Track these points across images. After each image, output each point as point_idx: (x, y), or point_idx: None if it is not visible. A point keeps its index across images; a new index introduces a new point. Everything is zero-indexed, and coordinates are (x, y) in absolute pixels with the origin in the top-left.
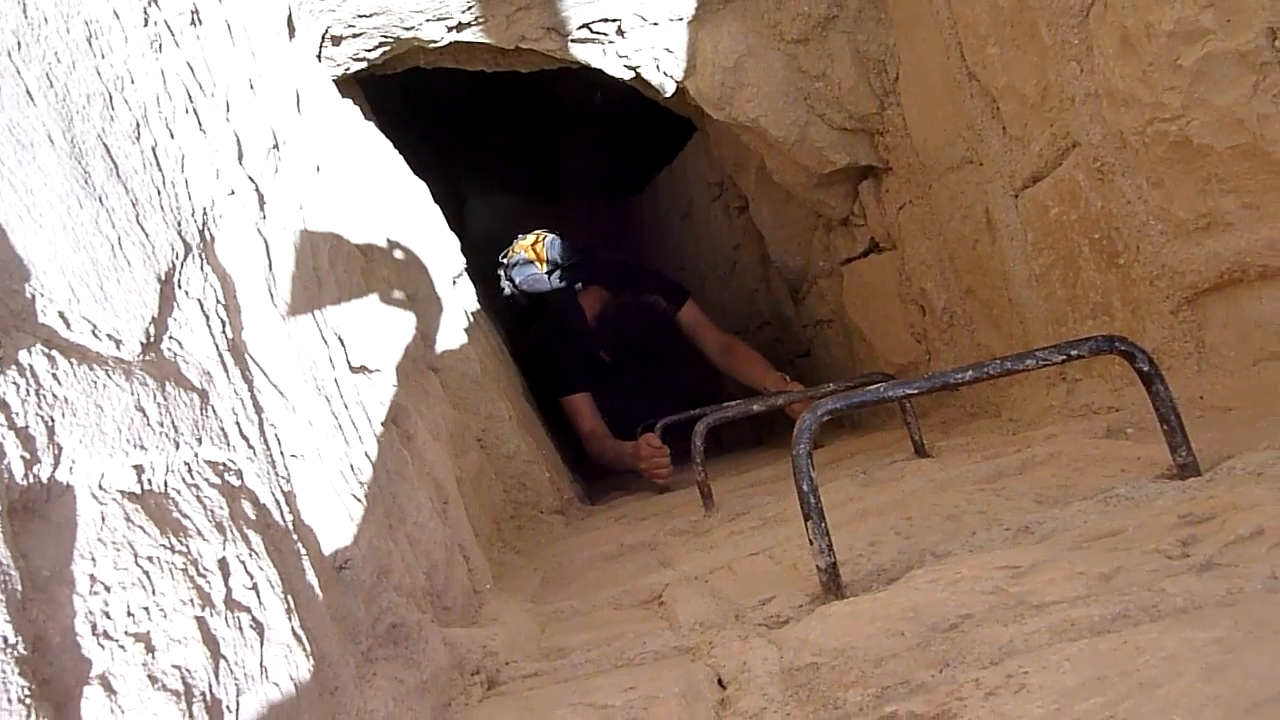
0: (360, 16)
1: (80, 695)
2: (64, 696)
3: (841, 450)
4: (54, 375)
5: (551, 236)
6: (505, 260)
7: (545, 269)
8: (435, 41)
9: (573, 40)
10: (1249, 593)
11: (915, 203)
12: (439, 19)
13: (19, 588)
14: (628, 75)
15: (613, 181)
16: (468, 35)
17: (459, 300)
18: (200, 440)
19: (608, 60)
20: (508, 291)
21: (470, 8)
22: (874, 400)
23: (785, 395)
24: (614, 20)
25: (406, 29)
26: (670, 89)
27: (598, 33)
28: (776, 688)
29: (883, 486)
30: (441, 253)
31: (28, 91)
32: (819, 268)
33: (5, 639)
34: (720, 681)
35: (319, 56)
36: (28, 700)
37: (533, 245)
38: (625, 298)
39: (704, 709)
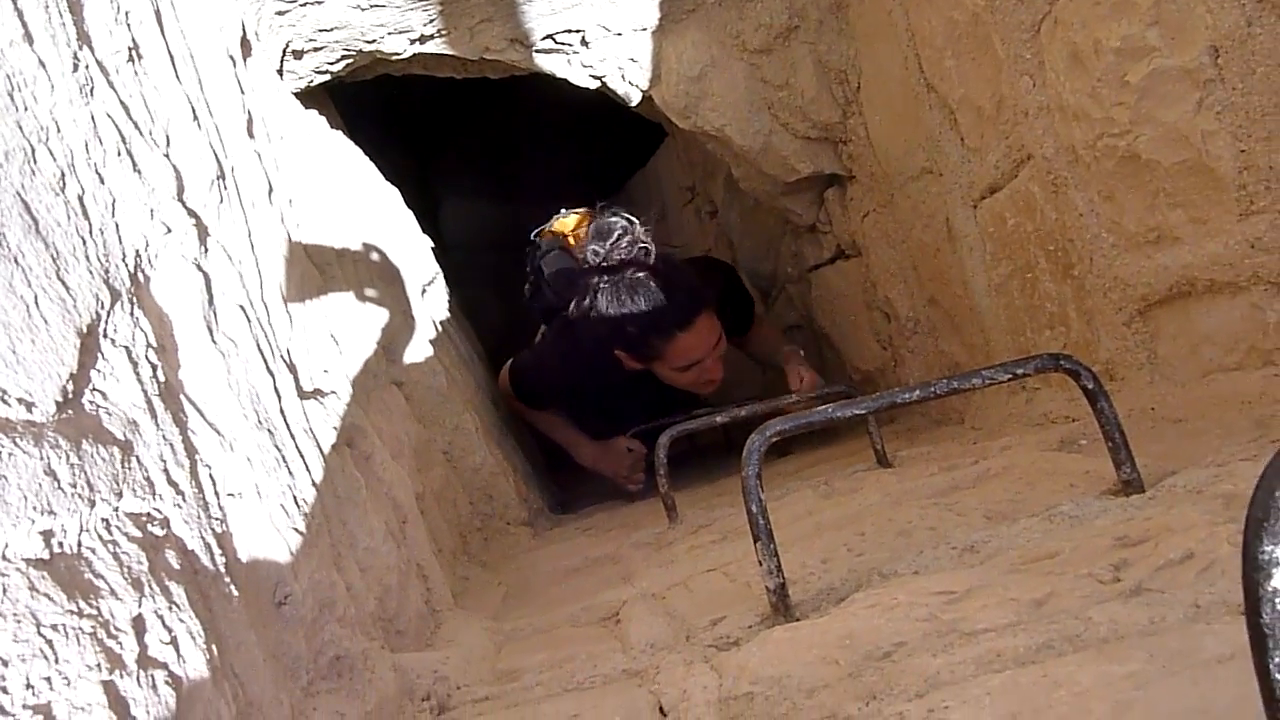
0: (321, 31)
1: None
2: None
3: (808, 459)
4: None
5: (603, 221)
6: (537, 240)
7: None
8: (398, 54)
9: (537, 51)
10: (1170, 622)
11: (879, 211)
12: (400, 32)
13: None
14: (593, 85)
15: (587, 184)
16: (430, 48)
17: (428, 310)
18: (120, 494)
19: (573, 70)
20: (535, 285)
21: (431, 21)
22: (823, 421)
23: (748, 407)
24: (578, 31)
25: (368, 42)
26: (636, 98)
27: (562, 43)
28: (712, 717)
29: (841, 499)
30: (412, 261)
31: None
32: (787, 274)
33: None
34: (661, 709)
35: (280, 71)
36: None
37: (574, 229)
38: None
39: None
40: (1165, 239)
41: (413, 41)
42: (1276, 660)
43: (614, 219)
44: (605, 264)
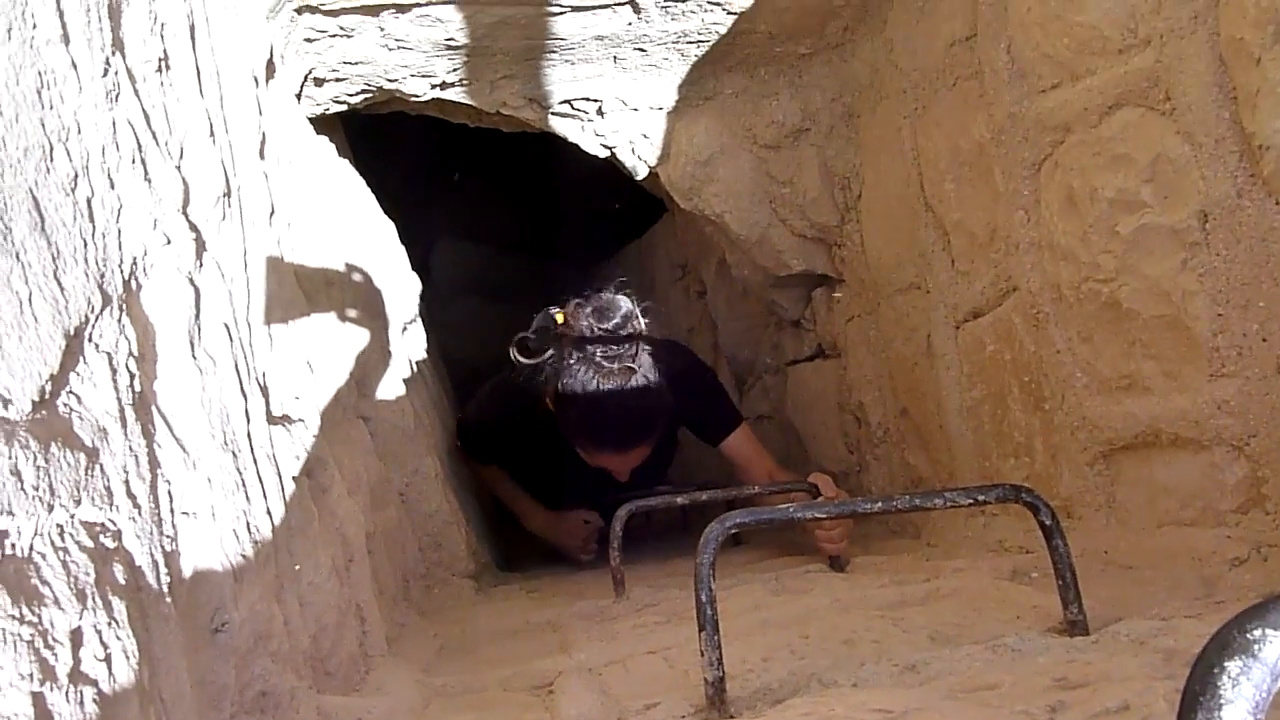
0: (345, 63)
1: None
2: None
3: (761, 552)
4: None
5: (610, 298)
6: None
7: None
8: (418, 96)
9: (553, 113)
10: None
11: (863, 317)
12: (423, 76)
13: None
14: (603, 154)
15: (581, 246)
16: (450, 94)
17: (406, 348)
18: (79, 501)
19: (585, 137)
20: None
21: (455, 70)
22: (783, 520)
23: (710, 492)
24: (595, 100)
25: (390, 80)
26: (643, 172)
27: (578, 110)
28: None
29: (790, 598)
30: (398, 298)
31: None
32: (765, 364)
33: None
34: None
35: (299, 95)
36: None
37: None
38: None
39: None
40: (1136, 387)
41: (434, 86)
42: None
43: (620, 298)
44: (591, 336)
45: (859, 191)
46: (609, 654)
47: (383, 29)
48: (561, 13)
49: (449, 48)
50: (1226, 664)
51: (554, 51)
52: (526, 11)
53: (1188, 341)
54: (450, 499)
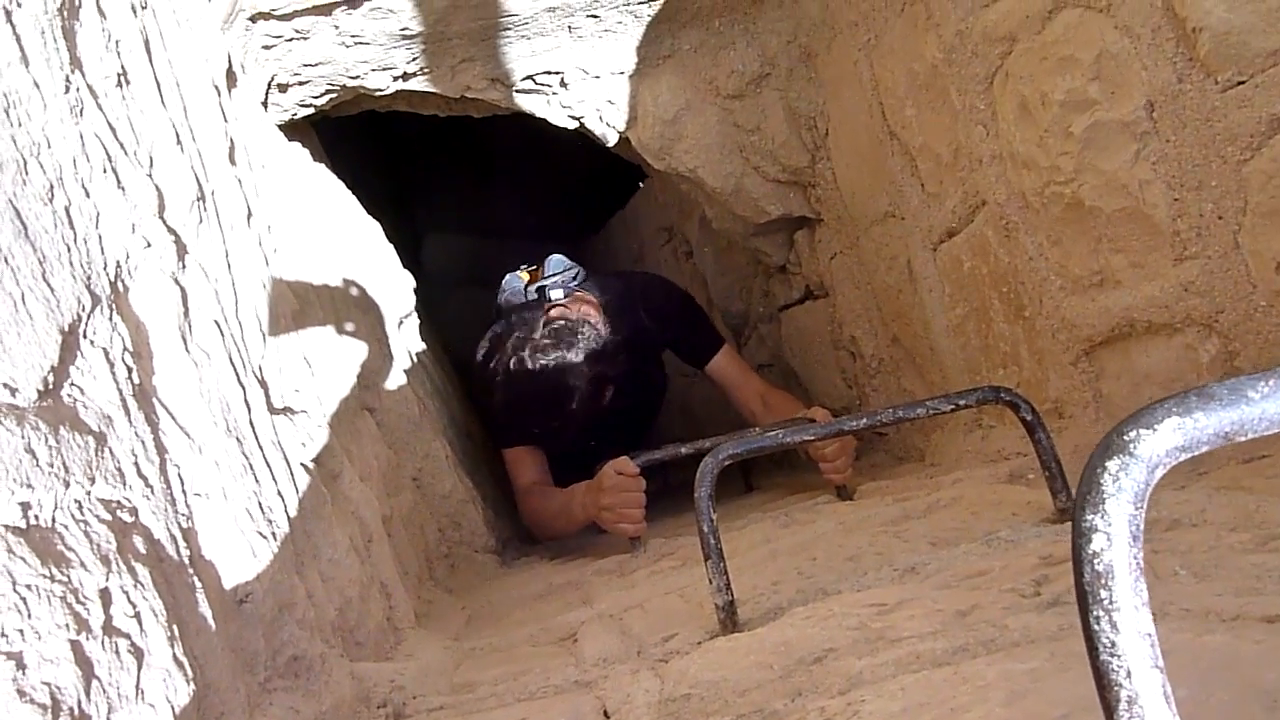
0: (306, 65)
1: None
2: None
3: (772, 494)
4: None
5: (560, 256)
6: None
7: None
8: (382, 90)
9: (517, 91)
10: (1077, 629)
11: (845, 253)
12: (384, 69)
13: None
14: (572, 125)
15: (568, 225)
16: (413, 85)
17: (404, 341)
18: (93, 480)
19: (552, 110)
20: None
21: (414, 59)
22: (773, 446)
23: (712, 440)
24: (557, 73)
25: (352, 78)
26: (613, 139)
27: (541, 84)
28: (650, 717)
29: (797, 528)
30: (391, 293)
31: None
32: (759, 313)
33: None
34: (605, 712)
35: (265, 103)
36: None
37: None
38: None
39: None
40: (1108, 282)
41: (395, 79)
42: (1094, 614)
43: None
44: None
45: (825, 129)
46: (628, 600)
47: (337, 27)
48: None
49: (405, 37)
50: (1107, 464)
51: (509, 29)
52: None
53: (1150, 230)
54: (463, 480)
